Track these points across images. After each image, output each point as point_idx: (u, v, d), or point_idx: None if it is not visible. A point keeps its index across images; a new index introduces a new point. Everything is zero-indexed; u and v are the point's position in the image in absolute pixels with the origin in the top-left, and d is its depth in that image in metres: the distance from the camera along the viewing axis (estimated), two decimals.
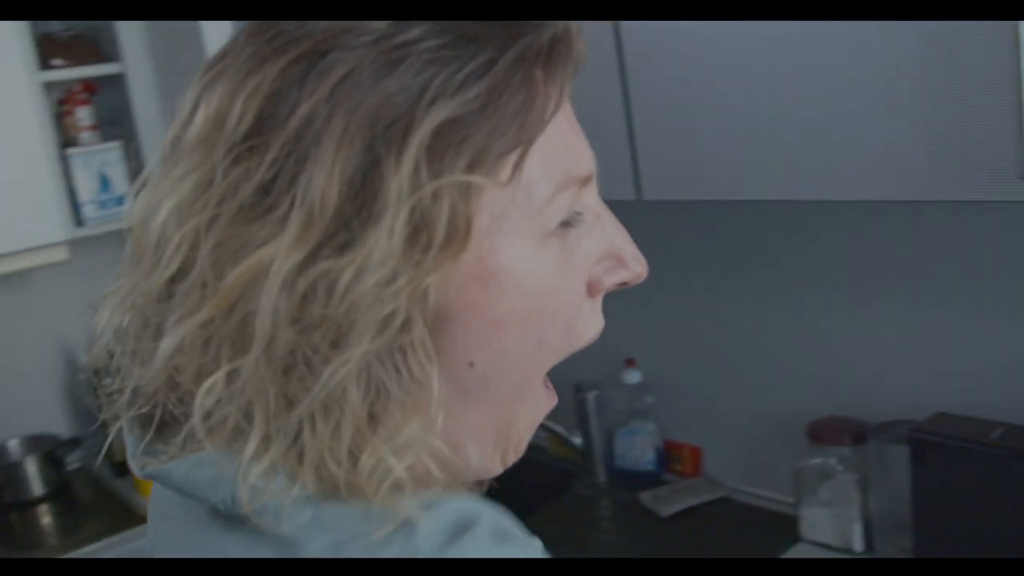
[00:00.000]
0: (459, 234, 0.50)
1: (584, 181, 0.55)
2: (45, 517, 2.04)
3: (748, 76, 1.13)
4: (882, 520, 1.44)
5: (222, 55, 0.53)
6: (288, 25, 0.52)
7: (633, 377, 1.80)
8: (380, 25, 0.50)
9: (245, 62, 0.51)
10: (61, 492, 2.10)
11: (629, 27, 1.23)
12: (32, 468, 2.07)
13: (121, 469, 2.06)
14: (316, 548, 0.49)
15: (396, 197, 0.48)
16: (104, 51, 2.10)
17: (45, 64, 1.99)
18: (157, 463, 0.54)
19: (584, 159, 0.55)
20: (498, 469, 0.60)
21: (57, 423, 2.23)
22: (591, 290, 0.57)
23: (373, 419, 0.50)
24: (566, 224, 0.54)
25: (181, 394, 0.53)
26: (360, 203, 0.49)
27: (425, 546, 0.48)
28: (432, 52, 0.50)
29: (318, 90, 0.49)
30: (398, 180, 0.48)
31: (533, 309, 0.53)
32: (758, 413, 1.67)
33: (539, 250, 0.53)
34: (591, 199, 0.57)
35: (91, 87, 2.10)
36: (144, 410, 0.56)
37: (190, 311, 0.51)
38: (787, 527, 1.54)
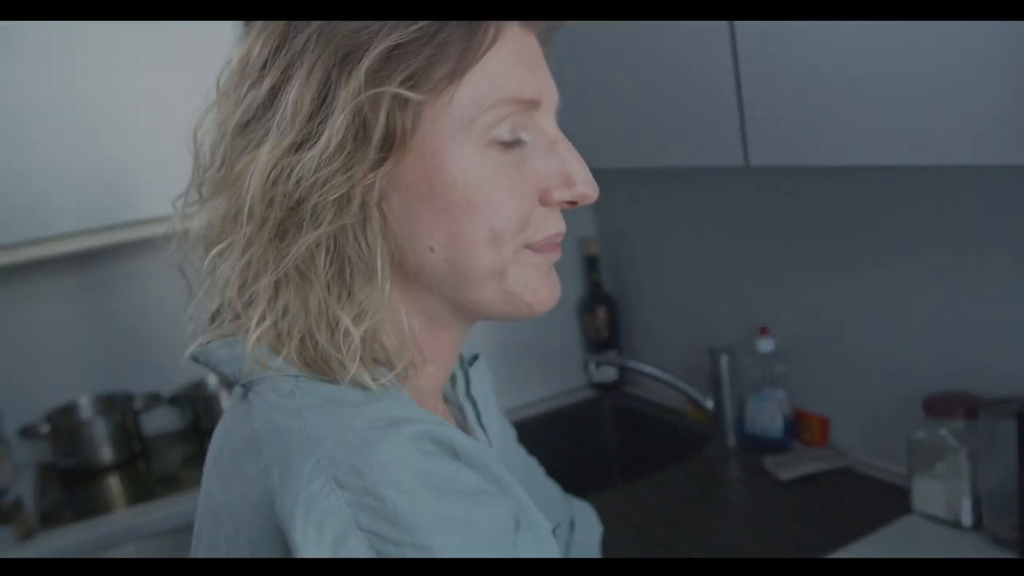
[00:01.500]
0: (396, 136, 0.64)
1: (527, 104, 0.69)
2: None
3: (853, 39, 1.14)
4: (990, 496, 1.42)
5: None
6: None
7: (766, 345, 1.83)
8: None
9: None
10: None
11: None
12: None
13: None
14: (284, 412, 0.62)
15: (343, 104, 0.63)
16: None
17: None
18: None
19: (528, 85, 0.69)
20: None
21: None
22: (543, 199, 0.71)
23: (336, 287, 0.65)
24: (512, 142, 0.69)
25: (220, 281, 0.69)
26: (321, 109, 0.64)
27: (362, 423, 0.59)
28: None
29: (308, 29, 0.66)
30: (346, 91, 0.63)
31: (473, 199, 0.67)
32: (883, 385, 1.67)
33: (478, 155, 0.67)
34: (546, 126, 0.71)
35: None
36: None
37: (214, 200, 0.68)
38: (901, 498, 1.54)
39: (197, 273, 0.71)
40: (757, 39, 1.27)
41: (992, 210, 1.43)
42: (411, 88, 0.64)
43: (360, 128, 0.64)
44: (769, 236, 1.84)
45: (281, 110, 0.65)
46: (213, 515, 0.64)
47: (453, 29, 0.65)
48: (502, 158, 0.68)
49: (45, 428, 2.10)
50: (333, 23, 0.65)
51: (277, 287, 0.65)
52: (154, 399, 2.28)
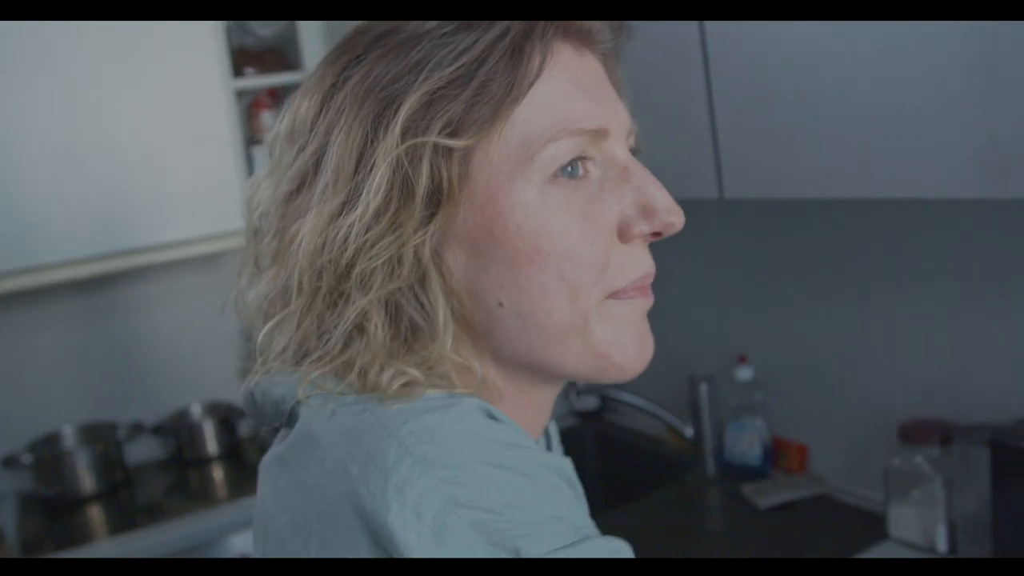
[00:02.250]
0: (444, 188, 0.60)
1: (592, 134, 0.62)
2: (217, 472, 2.28)
3: (826, 74, 1.17)
4: (965, 522, 1.45)
5: (310, 77, 0.68)
6: (351, 38, 0.66)
7: (745, 373, 1.86)
8: (412, 25, 0.63)
9: (315, 77, 0.66)
10: (232, 453, 2.32)
11: (713, 27, 1.30)
12: (209, 430, 2.31)
13: None
14: (321, 418, 0.59)
15: (381, 160, 0.59)
16: (289, 61, 2.35)
17: (238, 72, 2.25)
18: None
19: (589, 113, 0.62)
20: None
21: (235, 393, 2.49)
22: (622, 235, 0.64)
23: (396, 346, 0.61)
24: (574, 173, 0.62)
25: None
26: (362, 169, 0.60)
27: (421, 406, 0.57)
28: (435, 39, 0.61)
29: (347, 86, 0.62)
30: (384, 146, 0.59)
31: (541, 246, 0.60)
32: (859, 412, 1.70)
33: (541, 196, 0.61)
34: (617, 153, 0.64)
35: (275, 93, 2.35)
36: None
37: (270, 265, 0.65)
38: (878, 525, 1.56)
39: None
40: (730, 75, 1.30)
41: (966, 242, 1.47)
42: (453, 135, 0.59)
43: (402, 184, 0.59)
44: (748, 265, 1.87)
45: (325, 174, 0.61)
46: (276, 539, 0.60)
47: (495, 63, 0.60)
48: (569, 196, 0.61)
49: (28, 458, 2.11)
50: (372, 76, 0.61)
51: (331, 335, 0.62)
52: (137, 428, 2.28)
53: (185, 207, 2.09)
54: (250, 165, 2.30)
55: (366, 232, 0.59)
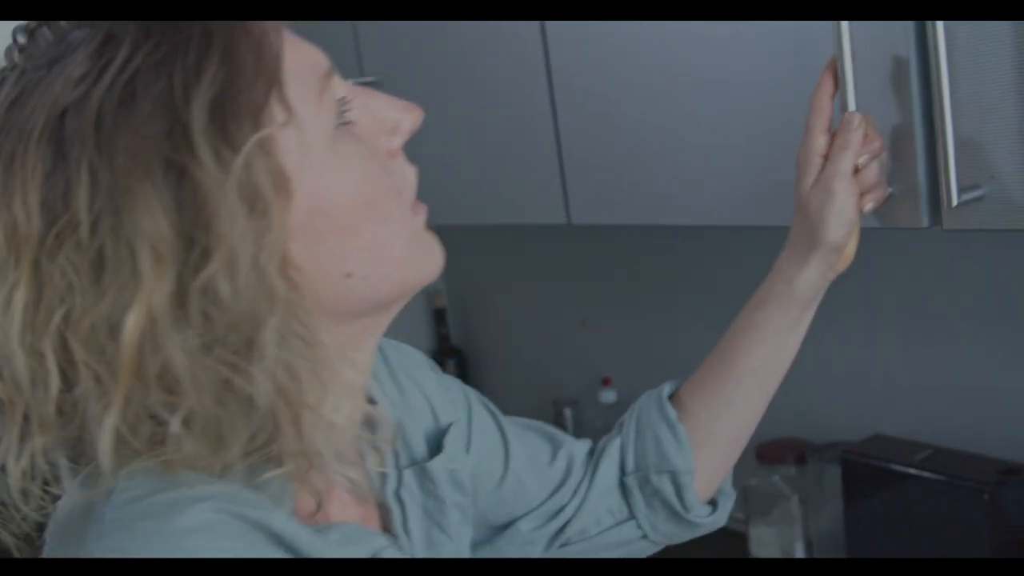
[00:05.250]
0: (283, 184, 0.54)
1: (328, 75, 0.59)
2: None
3: (666, 102, 1.16)
4: (820, 539, 1.46)
5: None
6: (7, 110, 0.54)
7: (609, 396, 1.85)
8: (82, 68, 0.52)
9: None
10: None
11: (558, 50, 1.28)
12: None
13: None
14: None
15: (215, 184, 0.51)
16: None
17: None
18: None
19: (317, 57, 0.60)
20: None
21: None
22: (389, 155, 0.63)
23: (295, 398, 0.54)
24: (343, 121, 0.59)
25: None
26: (191, 215, 0.51)
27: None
28: (153, 62, 0.52)
29: (81, 154, 0.51)
30: (209, 174, 0.51)
31: (364, 199, 0.59)
32: None
33: (337, 153, 0.58)
34: (340, 87, 0.61)
35: None
36: None
37: (104, 406, 0.52)
38: (740, 545, 1.57)
39: None
40: (575, 97, 1.29)
41: None
42: (258, 127, 0.54)
43: (252, 196, 0.53)
44: (609, 288, 1.86)
45: (132, 253, 0.51)
46: None
47: (242, 52, 0.54)
48: (352, 141, 0.60)
49: None
50: (103, 129, 0.51)
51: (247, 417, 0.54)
52: None
53: None
54: None
55: (238, 270, 0.52)
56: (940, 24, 0.84)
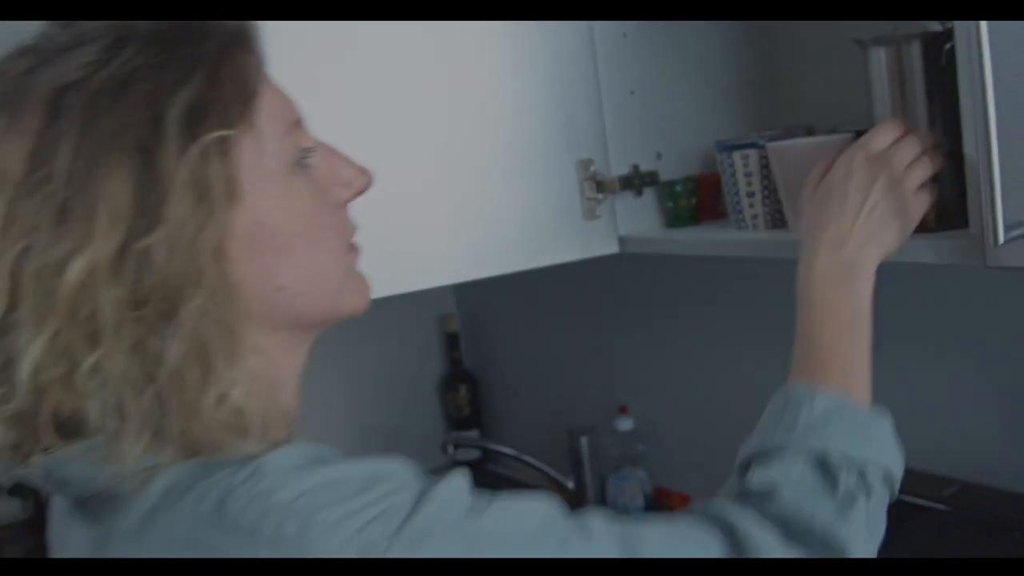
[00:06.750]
0: (233, 189, 0.64)
1: (298, 123, 0.71)
2: None
3: None
4: None
5: None
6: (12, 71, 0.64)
7: (625, 424, 1.84)
8: (91, 56, 0.63)
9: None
10: None
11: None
12: None
13: None
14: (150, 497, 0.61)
15: (173, 170, 0.61)
16: None
17: None
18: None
19: (291, 106, 0.71)
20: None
21: None
22: (338, 204, 0.74)
23: (203, 369, 0.62)
24: (303, 161, 0.70)
25: (53, 406, 0.62)
26: (148, 190, 0.61)
27: (274, 467, 0.61)
28: (150, 66, 0.63)
29: (72, 123, 0.61)
30: (170, 159, 0.61)
31: (306, 226, 0.69)
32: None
33: (290, 184, 0.69)
34: (308, 139, 0.72)
35: None
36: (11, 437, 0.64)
37: (35, 334, 0.60)
38: None
39: None
40: None
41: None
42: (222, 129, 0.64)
43: (202, 186, 0.62)
44: (626, 316, 1.85)
45: (92, 211, 0.60)
46: None
47: (230, 70, 0.65)
48: (306, 179, 0.70)
49: None
50: (96, 108, 0.61)
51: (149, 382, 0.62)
52: None
53: None
54: None
55: (175, 245, 0.61)
56: (988, 56, 0.83)
